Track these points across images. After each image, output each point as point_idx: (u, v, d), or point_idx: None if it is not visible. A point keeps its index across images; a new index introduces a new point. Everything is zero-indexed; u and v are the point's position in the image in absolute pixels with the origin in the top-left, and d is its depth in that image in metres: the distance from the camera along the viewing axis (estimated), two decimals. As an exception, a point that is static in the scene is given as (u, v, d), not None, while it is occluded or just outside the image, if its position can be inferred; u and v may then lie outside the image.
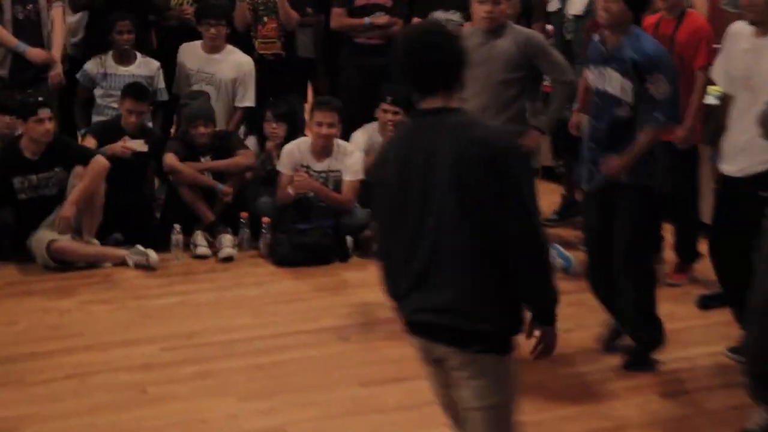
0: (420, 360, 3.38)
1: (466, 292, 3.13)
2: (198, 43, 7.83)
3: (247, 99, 7.84)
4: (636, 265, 5.11)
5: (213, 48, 7.78)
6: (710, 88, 6.08)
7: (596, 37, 5.12)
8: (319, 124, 7.02)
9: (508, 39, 5.52)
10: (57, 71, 7.58)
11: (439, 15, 7.63)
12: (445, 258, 3.14)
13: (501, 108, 5.49)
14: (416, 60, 3.21)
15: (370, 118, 7.49)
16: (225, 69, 7.77)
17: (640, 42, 4.88)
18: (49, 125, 6.80)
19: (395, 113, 7.22)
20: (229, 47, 7.84)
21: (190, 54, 7.84)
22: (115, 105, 7.48)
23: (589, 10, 6.88)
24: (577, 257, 6.56)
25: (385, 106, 7.29)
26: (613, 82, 4.94)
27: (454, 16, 7.59)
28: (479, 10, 5.48)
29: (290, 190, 7.03)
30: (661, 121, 4.91)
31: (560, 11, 7.37)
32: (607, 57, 4.95)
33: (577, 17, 7.16)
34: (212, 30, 7.70)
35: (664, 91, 4.85)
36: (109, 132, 7.30)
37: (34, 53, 7.52)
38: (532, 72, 5.62)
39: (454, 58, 3.22)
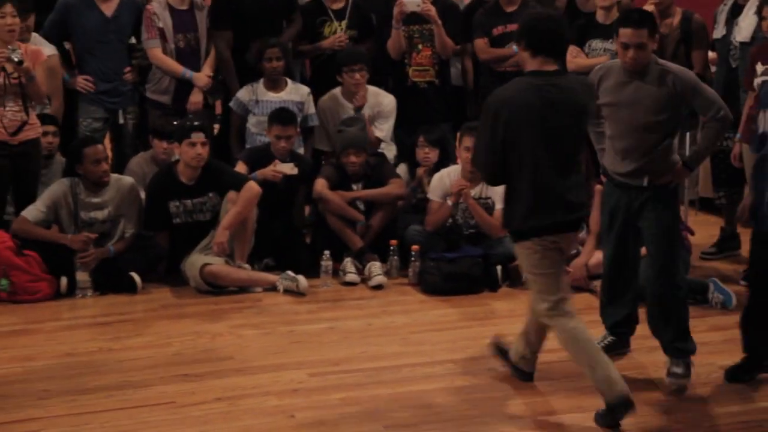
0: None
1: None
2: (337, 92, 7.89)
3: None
4: None
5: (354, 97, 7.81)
6: None
7: None
8: (468, 149, 7.01)
9: (655, 79, 5.18)
10: (197, 99, 7.77)
11: (597, 44, 7.58)
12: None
13: (646, 151, 5.20)
14: (559, 32, 4.83)
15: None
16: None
17: None
18: (201, 150, 6.94)
19: None
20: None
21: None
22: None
23: (756, 37, 6.72)
24: (737, 292, 6.40)
25: None
26: None
27: (612, 45, 7.52)
28: (623, 55, 5.19)
29: (448, 200, 7.06)
30: None
31: (725, 38, 7.21)
32: None
33: (743, 44, 6.99)
34: (357, 75, 7.71)
35: None
36: (260, 158, 7.42)
37: (199, 78, 7.73)
38: (680, 110, 5.31)
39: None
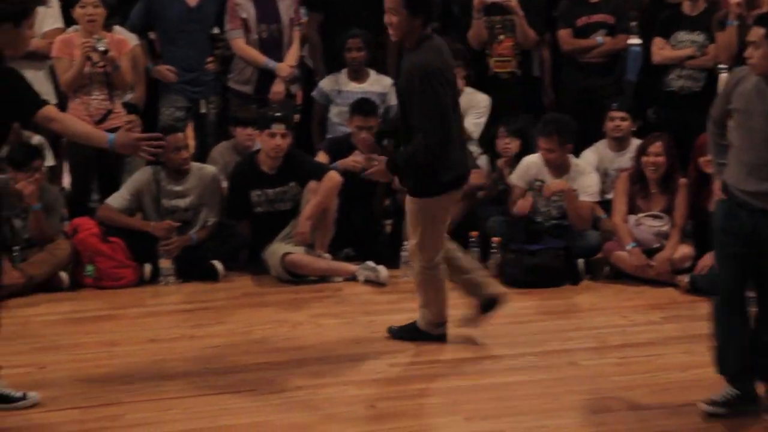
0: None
1: None
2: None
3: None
4: None
5: None
6: None
7: None
8: (543, 150, 7.05)
9: None
10: (279, 89, 7.81)
11: (683, 36, 7.49)
12: None
13: None
14: None
15: (593, 138, 7.44)
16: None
17: None
18: (281, 141, 6.98)
19: (623, 119, 7.33)
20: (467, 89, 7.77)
21: None
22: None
23: None
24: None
25: (612, 113, 7.37)
26: None
27: (698, 37, 7.44)
28: (749, 55, 4.55)
29: (545, 191, 7.06)
30: None
31: None
32: None
33: None
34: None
35: None
36: (341, 148, 7.44)
37: (282, 68, 7.77)
38: None
39: None
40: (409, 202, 5.54)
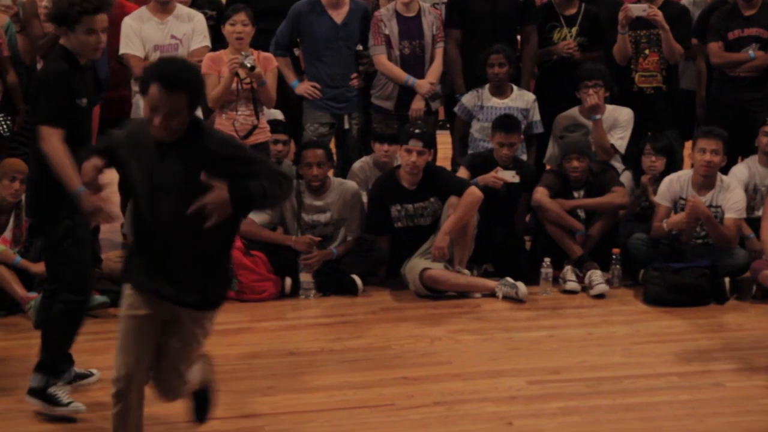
0: None
1: None
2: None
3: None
4: None
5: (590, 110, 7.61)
6: None
7: None
8: (702, 151, 6.82)
9: None
10: (419, 105, 7.80)
11: None
12: None
13: None
14: None
15: (742, 155, 7.28)
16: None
17: None
18: (417, 158, 6.96)
19: None
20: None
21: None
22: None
23: None
24: None
25: (765, 128, 7.18)
26: None
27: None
28: None
29: (687, 209, 6.84)
30: None
31: None
32: None
33: None
34: (590, 91, 7.51)
35: None
36: (482, 163, 7.39)
37: (422, 85, 7.79)
38: None
39: None
40: None
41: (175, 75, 3.86)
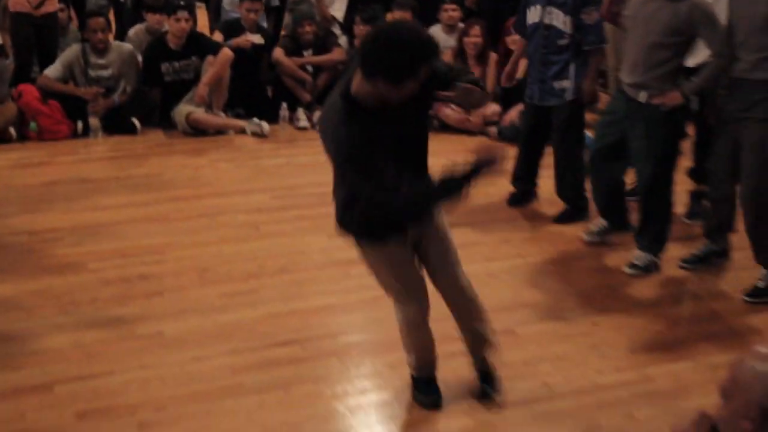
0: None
1: None
2: None
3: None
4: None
5: None
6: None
7: None
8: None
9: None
10: None
11: None
12: None
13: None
14: None
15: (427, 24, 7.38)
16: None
17: None
18: (185, 24, 6.76)
19: (453, 10, 7.20)
20: None
21: None
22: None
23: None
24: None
25: (445, 6, 7.22)
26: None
27: None
28: None
29: None
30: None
31: None
32: None
33: None
34: None
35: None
36: (233, 29, 7.23)
37: None
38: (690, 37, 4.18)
39: None
40: None
41: None
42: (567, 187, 5.16)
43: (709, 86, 4.29)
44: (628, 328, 3.94)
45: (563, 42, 4.86)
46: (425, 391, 3.33)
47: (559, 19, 4.83)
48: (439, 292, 3.16)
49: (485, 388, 3.36)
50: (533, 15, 4.95)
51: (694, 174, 5.10)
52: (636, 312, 4.10)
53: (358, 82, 2.68)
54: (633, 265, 4.53)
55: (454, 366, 3.44)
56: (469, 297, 3.19)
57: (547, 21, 4.87)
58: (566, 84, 4.92)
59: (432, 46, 2.64)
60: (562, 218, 5.17)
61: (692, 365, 3.65)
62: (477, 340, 3.31)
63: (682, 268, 4.53)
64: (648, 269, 4.52)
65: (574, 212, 5.16)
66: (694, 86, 4.24)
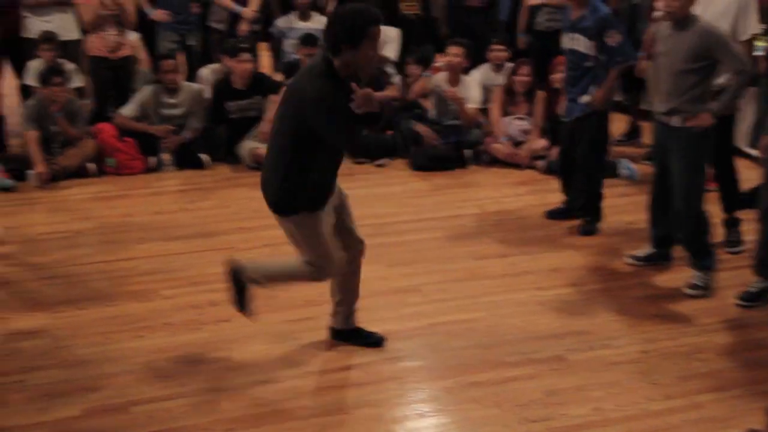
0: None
1: None
2: None
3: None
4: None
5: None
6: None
7: None
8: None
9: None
10: (244, 27, 7.58)
11: None
12: None
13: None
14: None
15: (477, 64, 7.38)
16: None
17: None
18: (247, 65, 6.83)
19: (500, 51, 7.22)
20: None
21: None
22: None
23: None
24: (640, 169, 6.40)
25: (493, 47, 7.25)
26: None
27: None
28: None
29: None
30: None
31: None
32: None
33: None
34: None
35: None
36: (293, 69, 7.24)
37: (246, 13, 7.58)
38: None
39: None
40: None
41: None
42: (582, 196, 5.35)
43: (735, 103, 4.33)
44: (676, 356, 3.86)
45: (588, 64, 5.09)
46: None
47: (582, 44, 5.05)
48: (346, 250, 3.74)
49: (374, 336, 3.93)
50: (564, 42, 5.23)
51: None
52: (684, 339, 4.02)
53: (329, 63, 3.27)
54: (694, 286, 4.48)
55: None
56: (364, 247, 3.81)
57: (571, 46, 5.12)
58: (588, 98, 5.16)
59: (374, 11, 3.25)
60: (568, 212, 5.46)
61: (741, 392, 3.57)
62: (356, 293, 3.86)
63: (738, 306, 4.35)
64: (707, 287, 4.47)
65: (586, 215, 5.34)
66: (721, 105, 4.29)
